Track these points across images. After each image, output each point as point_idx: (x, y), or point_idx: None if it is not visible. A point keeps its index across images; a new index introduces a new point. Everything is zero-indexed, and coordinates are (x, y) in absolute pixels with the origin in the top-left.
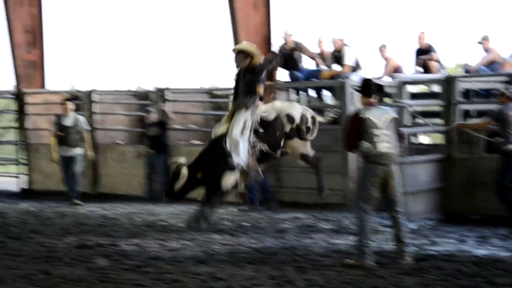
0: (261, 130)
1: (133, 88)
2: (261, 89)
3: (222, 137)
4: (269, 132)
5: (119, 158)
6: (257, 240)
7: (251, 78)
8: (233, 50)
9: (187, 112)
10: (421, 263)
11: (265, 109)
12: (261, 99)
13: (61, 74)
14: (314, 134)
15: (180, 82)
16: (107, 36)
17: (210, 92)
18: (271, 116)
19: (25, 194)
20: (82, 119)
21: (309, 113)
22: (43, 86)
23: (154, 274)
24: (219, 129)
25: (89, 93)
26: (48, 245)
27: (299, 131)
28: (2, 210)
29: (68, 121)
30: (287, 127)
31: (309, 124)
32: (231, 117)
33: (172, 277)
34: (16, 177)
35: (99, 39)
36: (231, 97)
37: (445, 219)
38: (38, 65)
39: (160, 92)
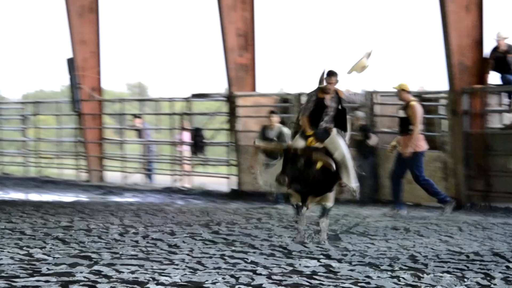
0: None
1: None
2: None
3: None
4: None
5: None
6: (465, 245)
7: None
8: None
9: (395, 115)
10: None
11: None
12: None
13: (271, 77)
14: None
15: (387, 85)
16: (319, 38)
17: (419, 95)
18: None
19: (235, 194)
20: (286, 131)
21: None
22: (253, 89)
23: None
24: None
25: (298, 96)
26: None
27: None
28: (211, 210)
29: (272, 134)
30: None
31: None
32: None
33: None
34: (227, 178)
35: (310, 42)
36: (441, 101)
37: None
38: (249, 68)
39: (369, 95)
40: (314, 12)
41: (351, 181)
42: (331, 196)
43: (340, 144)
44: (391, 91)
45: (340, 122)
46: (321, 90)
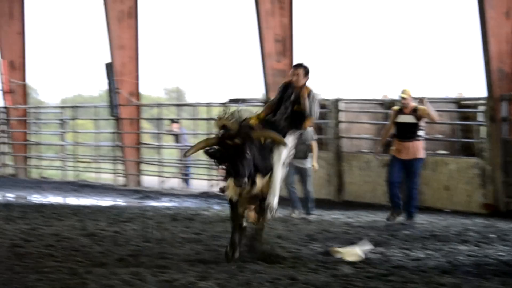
0: None
1: (379, 97)
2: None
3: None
4: None
5: (364, 167)
6: (505, 253)
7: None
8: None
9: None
10: None
11: None
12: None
13: (308, 83)
14: None
15: (426, 91)
16: (356, 43)
17: (457, 102)
18: None
19: None
20: (310, 129)
21: None
22: None
23: (398, 283)
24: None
25: (335, 102)
26: (293, 250)
27: None
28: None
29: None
30: None
31: None
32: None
33: (415, 287)
34: None
35: (348, 48)
36: (479, 107)
37: None
38: (287, 74)
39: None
40: (352, 18)
41: (272, 198)
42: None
43: (280, 154)
44: (433, 98)
45: (296, 120)
46: (286, 82)
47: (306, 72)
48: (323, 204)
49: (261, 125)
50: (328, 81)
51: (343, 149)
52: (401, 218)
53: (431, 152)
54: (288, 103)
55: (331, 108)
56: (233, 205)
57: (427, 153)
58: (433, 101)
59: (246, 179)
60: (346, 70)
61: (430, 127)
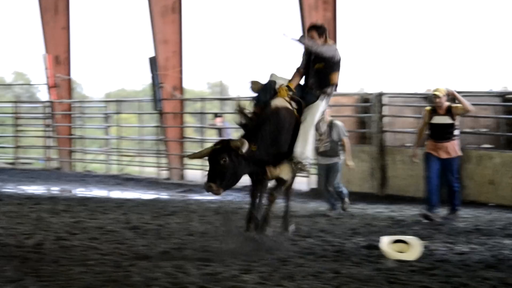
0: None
1: (422, 90)
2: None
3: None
4: None
5: (407, 161)
6: None
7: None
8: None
9: (477, 115)
10: None
11: None
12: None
13: (351, 77)
14: None
15: (471, 85)
16: (400, 37)
17: (502, 96)
18: None
19: (314, 194)
20: (340, 125)
21: None
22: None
23: (442, 277)
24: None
25: (379, 96)
26: (336, 244)
27: None
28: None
29: (323, 128)
30: None
31: None
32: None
33: (460, 280)
34: (307, 177)
35: (392, 41)
36: None
37: None
38: None
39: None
40: (396, 11)
41: (299, 151)
42: (287, 167)
43: (313, 113)
44: (475, 91)
45: (322, 79)
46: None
47: (320, 32)
48: (366, 198)
49: (292, 93)
50: (372, 75)
51: (387, 143)
52: (438, 215)
53: (475, 146)
54: (311, 65)
55: (374, 102)
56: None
57: (471, 147)
58: (477, 95)
59: (212, 184)
60: (390, 64)
61: (474, 121)
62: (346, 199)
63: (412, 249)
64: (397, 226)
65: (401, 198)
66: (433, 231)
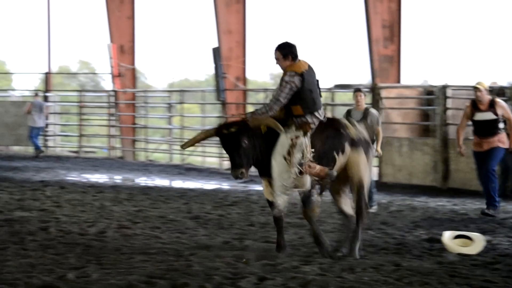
0: None
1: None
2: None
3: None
4: None
5: (471, 154)
6: None
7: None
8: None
9: None
10: None
11: None
12: None
13: (416, 69)
14: None
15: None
16: (462, 29)
17: None
18: None
19: (377, 186)
20: (374, 112)
21: None
22: (398, 80)
23: (504, 272)
24: None
25: (443, 88)
26: (398, 237)
27: None
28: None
29: (357, 115)
30: None
31: None
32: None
33: None
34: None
35: (457, 32)
36: None
37: None
38: (394, 60)
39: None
40: (461, 4)
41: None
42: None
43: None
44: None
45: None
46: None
47: (285, 53)
48: (428, 191)
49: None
50: (436, 67)
51: (450, 136)
52: (499, 211)
53: None
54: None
55: (438, 94)
56: (270, 204)
57: None
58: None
59: (243, 170)
60: (454, 56)
61: None
62: (375, 206)
63: (474, 244)
64: (459, 220)
65: (463, 191)
66: (495, 225)
